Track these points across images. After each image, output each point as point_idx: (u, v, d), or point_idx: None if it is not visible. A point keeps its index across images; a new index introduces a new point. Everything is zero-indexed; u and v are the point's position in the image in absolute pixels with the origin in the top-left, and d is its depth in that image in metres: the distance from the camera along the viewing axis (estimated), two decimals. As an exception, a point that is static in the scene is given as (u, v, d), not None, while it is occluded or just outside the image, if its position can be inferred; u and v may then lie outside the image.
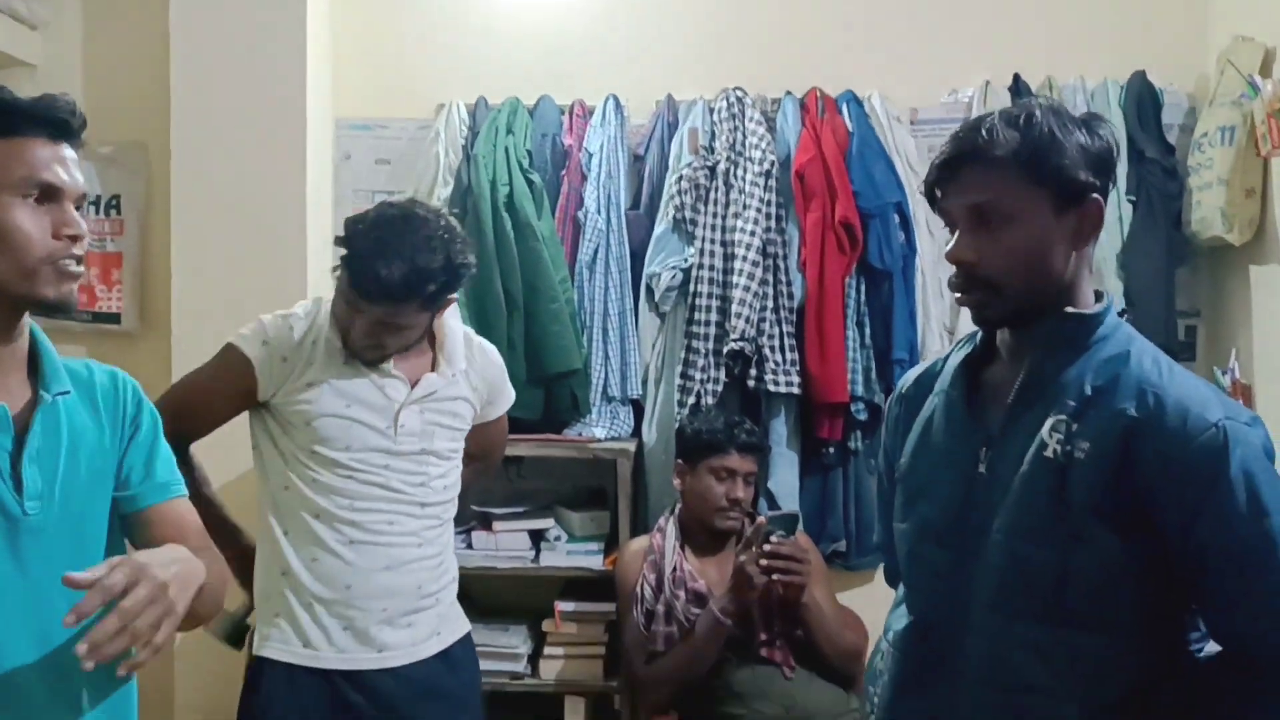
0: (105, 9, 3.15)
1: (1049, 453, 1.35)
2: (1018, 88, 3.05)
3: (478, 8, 3.22)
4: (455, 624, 2.17)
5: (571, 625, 2.81)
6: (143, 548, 1.44)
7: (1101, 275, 2.92)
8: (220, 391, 2.05)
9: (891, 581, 1.70)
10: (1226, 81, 2.81)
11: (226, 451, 2.26)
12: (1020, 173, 1.37)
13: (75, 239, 1.34)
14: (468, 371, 2.16)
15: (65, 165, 1.35)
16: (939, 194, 1.44)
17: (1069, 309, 1.40)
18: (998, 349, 1.48)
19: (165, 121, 2.97)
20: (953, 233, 1.43)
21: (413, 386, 2.06)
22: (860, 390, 2.95)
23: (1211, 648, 1.39)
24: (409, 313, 1.95)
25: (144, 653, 1.22)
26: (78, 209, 1.38)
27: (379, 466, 2.02)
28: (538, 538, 2.89)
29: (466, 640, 2.19)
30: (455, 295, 2.03)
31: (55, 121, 1.35)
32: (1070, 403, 1.36)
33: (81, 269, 1.36)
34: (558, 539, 2.87)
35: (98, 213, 3.10)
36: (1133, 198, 2.98)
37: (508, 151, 2.98)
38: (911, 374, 1.65)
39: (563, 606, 2.80)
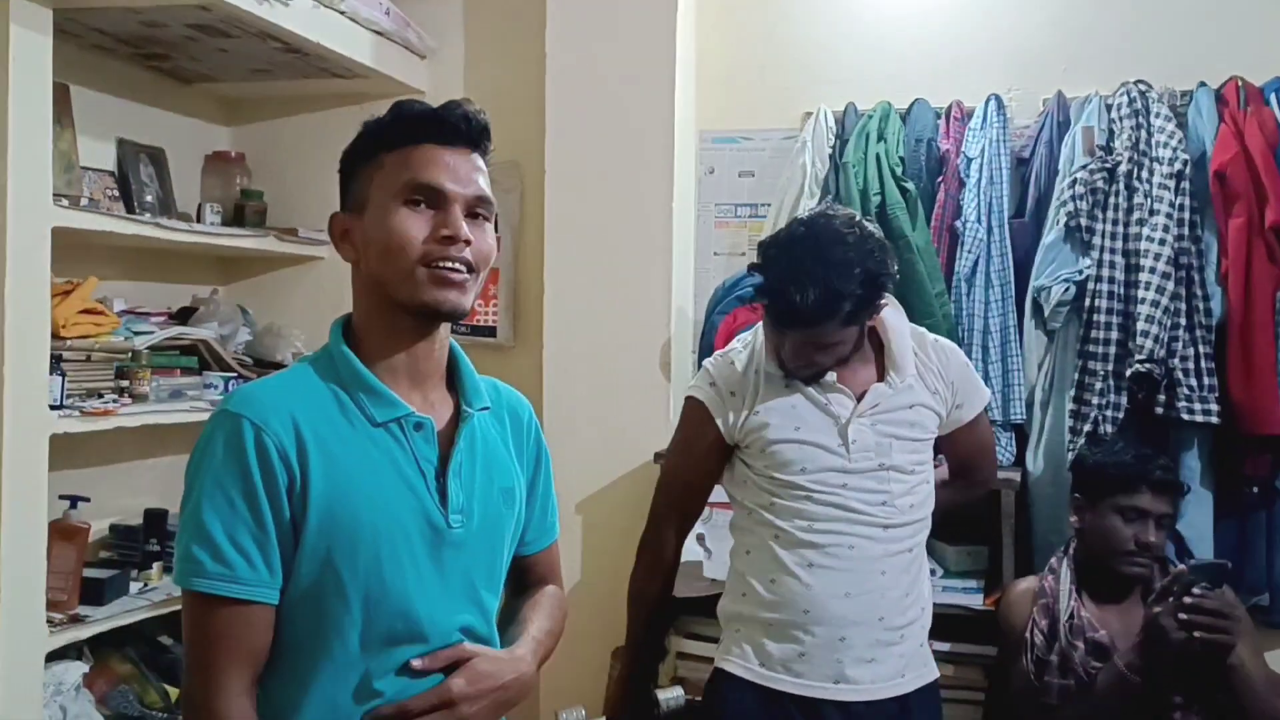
0: (485, 37, 3.29)
1: None
2: None
3: (847, 11, 3.10)
4: (922, 668, 2.04)
5: (947, 667, 2.59)
6: (514, 586, 1.51)
7: None
8: (697, 449, 2.07)
9: None
10: None
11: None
12: None
13: (450, 240, 1.30)
14: (922, 375, 2.03)
15: (450, 169, 1.32)
16: None
17: None
18: None
19: (538, 141, 3.06)
20: None
21: (859, 399, 1.97)
22: (1295, 420, 2.54)
23: None
24: (830, 332, 1.88)
25: None
26: (479, 218, 1.34)
27: (836, 486, 1.95)
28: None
29: (932, 688, 2.06)
30: (885, 301, 1.94)
31: (444, 127, 1.33)
32: None
33: (464, 276, 1.32)
34: (931, 573, 2.66)
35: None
36: None
37: (879, 159, 2.83)
38: None
39: (938, 646, 2.58)
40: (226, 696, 1.24)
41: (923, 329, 2.12)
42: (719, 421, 2.02)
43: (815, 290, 1.81)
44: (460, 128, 1.34)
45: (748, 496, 2.02)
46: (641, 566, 2.14)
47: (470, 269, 1.33)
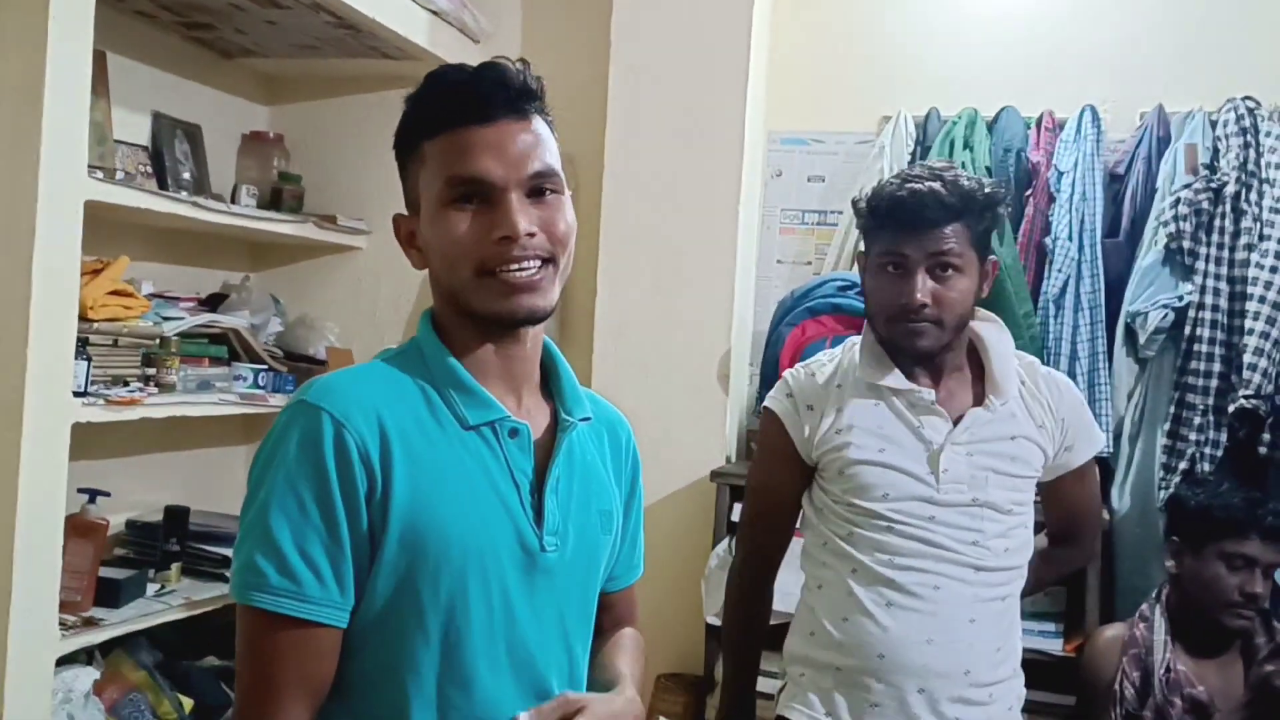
0: (544, 22, 3.14)
1: None
2: None
3: (932, 11, 2.94)
4: None
5: (1022, 716, 2.42)
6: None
7: None
8: (775, 466, 1.89)
9: None
10: None
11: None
12: None
13: (508, 241, 1.11)
14: (1028, 405, 1.83)
15: (495, 151, 1.12)
16: None
17: None
18: None
19: (595, 135, 2.90)
20: None
21: (954, 425, 1.77)
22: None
23: None
24: (953, 237, 1.70)
25: None
26: (545, 194, 1.14)
27: (922, 519, 1.74)
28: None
29: None
30: (996, 259, 1.82)
31: (477, 104, 1.12)
32: None
33: (537, 274, 1.13)
34: (1007, 613, 2.49)
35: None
36: None
37: (964, 168, 2.65)
38: None
39: (1012, 693, 2.41)
40: None
41: (1034, 358, 1.93)
42: (793, 435, 1.84)
43: (932, 182, 1.70)
44: (496, 97, 1.13)
45: (824, 524, 1.83)
46: (727, 602, 1.98)
47: (545, 259, 1.14)
